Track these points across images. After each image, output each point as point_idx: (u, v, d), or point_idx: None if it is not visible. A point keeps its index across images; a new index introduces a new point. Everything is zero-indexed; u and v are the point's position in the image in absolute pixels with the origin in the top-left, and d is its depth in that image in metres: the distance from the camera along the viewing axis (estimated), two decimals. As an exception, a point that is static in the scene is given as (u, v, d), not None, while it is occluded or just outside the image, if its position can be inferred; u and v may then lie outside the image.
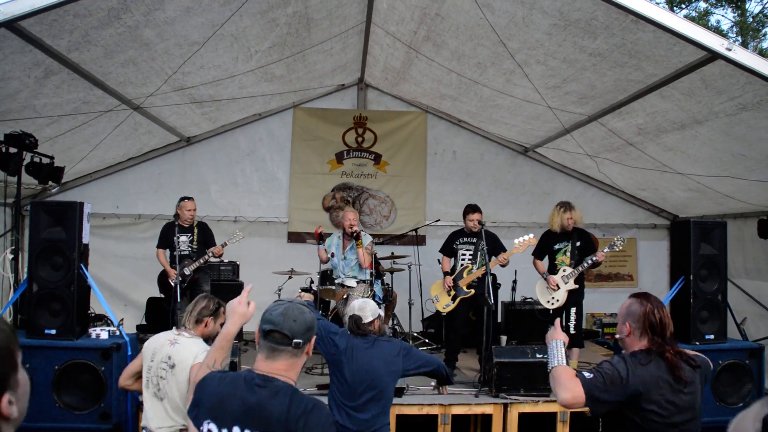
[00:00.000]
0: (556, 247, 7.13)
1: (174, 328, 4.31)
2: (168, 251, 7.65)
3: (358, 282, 7.37)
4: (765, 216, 7.56)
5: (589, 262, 6.70)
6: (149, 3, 4.97)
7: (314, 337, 2.41)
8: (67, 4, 4.35)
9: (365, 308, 4.34)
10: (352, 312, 4.32)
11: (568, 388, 2.88)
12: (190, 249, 7.61)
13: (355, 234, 7.32)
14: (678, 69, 5.32)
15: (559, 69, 6.23)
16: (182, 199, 7.63)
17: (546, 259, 7.30)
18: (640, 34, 5.00)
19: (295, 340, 2.30)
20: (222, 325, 4.06)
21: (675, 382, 2.86)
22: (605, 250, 6.66)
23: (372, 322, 4.29)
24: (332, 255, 7.55)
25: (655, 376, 2.85)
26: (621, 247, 6.77)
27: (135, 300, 9.02)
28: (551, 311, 6.99)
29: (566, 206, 7.11)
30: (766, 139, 5.87)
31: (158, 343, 4.10)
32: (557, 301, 6.89)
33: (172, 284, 7.35)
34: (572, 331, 6.80)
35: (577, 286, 6.84)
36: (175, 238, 7.46)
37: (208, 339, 4.14)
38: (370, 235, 9.34)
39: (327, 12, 6.60)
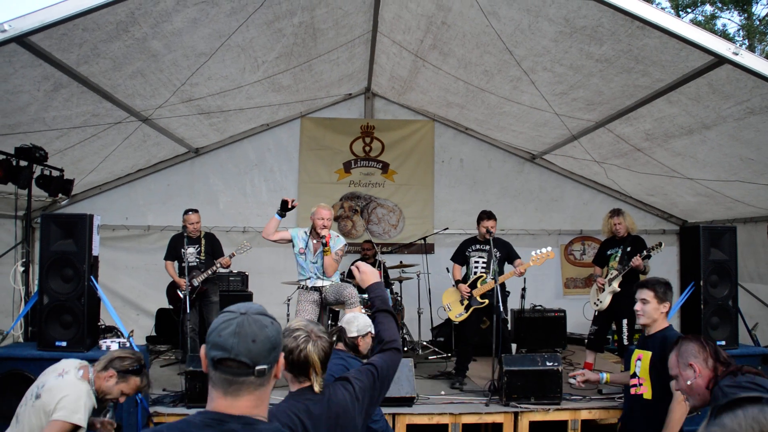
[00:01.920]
0: (609, 252, 7.25)
1: (88, 363, 3.84)
2: (176, 263, 7.68)
3: (331, 282, 6.65)
4: (775, 220, 7.53)
5: (627, 268, 6.75)
6: (157, 15, 5.01)
7: (282, 355, 1.90)
8: (76, 18, 4.38)
9: (353, 322, 4.27)
10: (341, 323, 4.29)
11: None
12: (197, 260, 7.65)
13: (322, 240, 6.39)
14: (685, 74, 5.31)
15: (565, 75, 6.23)
16: (186, 211, 7.68)
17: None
18: (646, 39, 5.00)
19: (257, 368, 1.77)
20: (123, 392, 3.76)
21: None
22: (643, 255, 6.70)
23: (356, 338, 4.24)
24: (301, 251, 6.65)
25: None
26: (659, 252, 6.75)
27: (147, 310, 9.06)
28: (596, 313, 7.15)
29: (614, 212, 7.30)
30: (775, 142, 5.85)
31: (54, 366, 3.74)
32: (600, 302, 7.02)
33: (181, 295, 7.38)
34: (625, 342, 6.84)
35: (619, 290, 6.83)
36: (182, 249, 7.49)
37: (101, 397, 3.67)
38: (377, 243, 9.36)
39: (333, 22, 6.63)
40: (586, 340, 7.56)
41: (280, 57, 6.90)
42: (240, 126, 9.32)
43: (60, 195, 7.09)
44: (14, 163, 6.08)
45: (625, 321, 6.84)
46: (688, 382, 2.87)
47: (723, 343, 5.73)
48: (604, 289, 7.03)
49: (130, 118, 6.86)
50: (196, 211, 7.74)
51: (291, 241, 6.67)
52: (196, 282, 7.46)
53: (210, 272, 7.56)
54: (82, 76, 5.47)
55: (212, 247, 7.84)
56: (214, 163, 9.75)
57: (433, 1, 5.87)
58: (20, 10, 4.29)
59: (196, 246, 7.71)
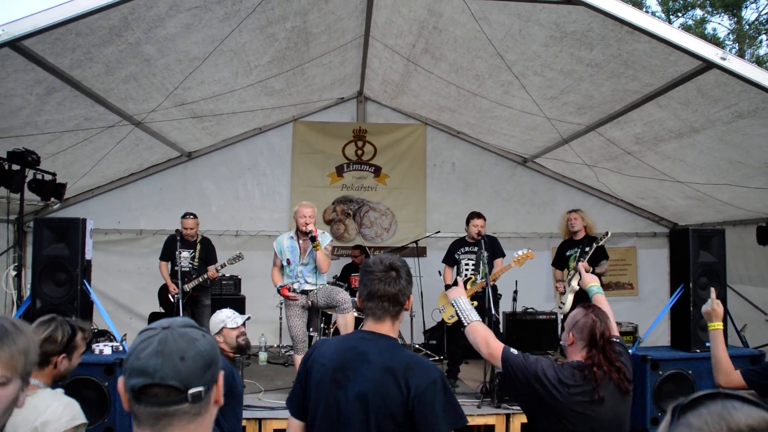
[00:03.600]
0: (567, 254, 7.26)
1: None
2: (170, 264, 7.69)
3: (320, 286, 6.54)
4: (764, 223, 7.60)
5: (578, 267, 6.79)
6: (150, 20, 5.03)
7: (221, 374, 1.57)
8: (69, 23, 4.40)
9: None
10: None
11: (489, 345, 3.15)
12: (191, 266, 7.65)
13: (310, 236, 6.25)
14: (674, 78, 5.37)
15: (556, 80, 6.29)
16: (184, 215, 7.71)
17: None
18: (635, 44, 5.06)
19: (191, 391, 1.44)
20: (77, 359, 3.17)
21: (590, 393, 2.89)
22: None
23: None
24: (288, 262, 6.51)
25: (572, 394, 2.90)
26: (603, 242, 6.84)
27: (139, 313, 9.06)
28: (563, 317, 7.14)
29: (574, 210, 7.30)
30: (763, 146, 5.91)
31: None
32: (563, 304, 7.05)
33: (172, 300, 7.40)
34: None
35: (578, 288, 6.86)
36: (177, 252, 7.50)
37: (64, 379, 3.12)
38: (369, 246, 9.40)
39: (325, 26, 6.66)
40: (559, 348, 7.58)
41: (273, 61, 6.93)
42: (233, 130, 9.34)
43: (52, 199, 7.09)
44: (6, 167, 6.08)
45: None
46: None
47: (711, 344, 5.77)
48: (564, 291, 7.05)
49: (122, 122, 6.87)
50: (194, 216, 7.75)
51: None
52: (186, 288, 7.47)
53: (201, 279, 7.57)
54: (74, 80, 5.48)
55: (206, 253, 7.84)
56: (206, 167, 9.76)
57: (425, 6, 5.91)
58: (13, 15, 4.30)
59: (191, 251, 7.71)
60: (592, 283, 3.80)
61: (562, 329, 7.04)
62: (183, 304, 7.26)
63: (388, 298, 2.52)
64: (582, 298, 6.87)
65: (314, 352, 2.64)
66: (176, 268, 7.48)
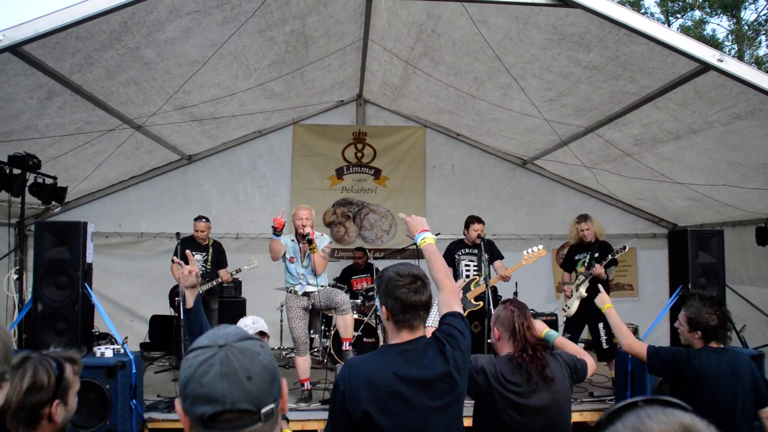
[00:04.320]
0: (576, 258, 7.26)
1: None
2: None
3: (320, 287, 6.54)
4: (763, 223, 7.61)
5: (589, 273, 6.81)
6: (150, 24, 5.06)
7: (284, 382, 1.47)
8: (69, 27, 4.43)
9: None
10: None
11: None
12: (204, 268, 7.71)
13: (307, 237, 6.26)
14: (671, 80, 5.40)
15: (554, 82, 6.31)
16: (196, 218, 7.82)
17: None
18: (633, 46, 5.08)
19: (264, 410, 1.36)
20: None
21: (542, 381, 3.16)
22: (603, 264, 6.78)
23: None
24: (291, 260, 6.57)
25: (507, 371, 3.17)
26: (618, 256, 6.86)
27: (141, 316, 9.08)
28: (565, 319, 7.19)
29: (581, 218, 7.30)
30: (761, 147, 5.93)
31: None
32: (568, 308, 7.04)
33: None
34: (605, 345, 6.85)
35: (586, 295, 6.88)
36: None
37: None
38: (369, 249, 9.41)
39: (324, 30, 6.69)
40: None
41: (272, 64, 6.95)
42: (232, 133, 9.36)
43: (53, 202, 7.11)
44: (7, 170, 6.10)
45: (601, 325, 6.85)
46: (489, 341, 3.55)
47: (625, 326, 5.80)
48: (572, 295, 7.07)
49: (123, 125, 6.90)
50: (207, 219, 7.84)
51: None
52: (200, 290, 7.51)
53: (213, 283, 7.63)
54: (75, 84, 5.50)
55: (218, 257, 7.91)
56: (206, 170, 9.78)
57: (424, 10, 5.93)
58: (14, 20, 4.33)
59: (204, 254, 7.79)
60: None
61: (565, 331, 7.10)
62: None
63: (422, 305, 2.60)
64: (589, 304, 6.89)
65: (354, 382, 2.55)
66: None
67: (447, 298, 2.84)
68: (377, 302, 2.88)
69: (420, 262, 8.38)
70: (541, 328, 3.62)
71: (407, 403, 2.50)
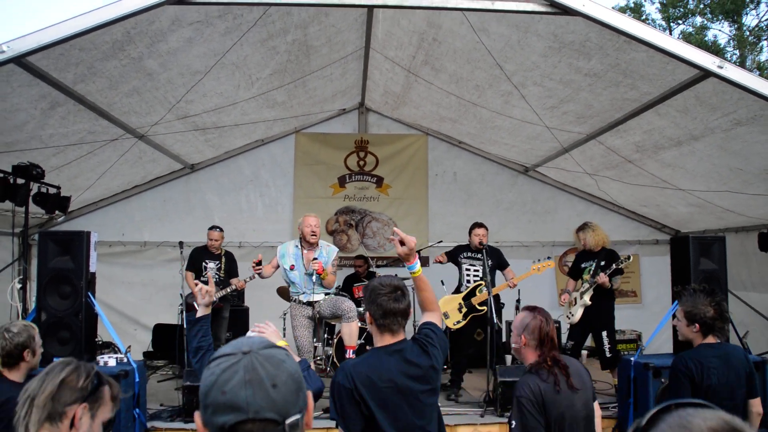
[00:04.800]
0: (583, 265, 7.26)
1: None
2: (194, 275, 7.80)
3: (326, 294, 6.65)
4: (765, 229, 7.61)
5: (593, 282, 6.82)
6: (152, 35, 5.09)
7: (309, 393, 1.42)
8: (73, 38, 4.46)
9: None
10: None
11: None
12: (217, 276, 7.76)
13: (316, 269, 6.35)
14: (672, 87, 5.41)
15: (555, 90, 6.33)
16: (210, 227, 7.94)
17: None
18: (633, 54, 5.11)
19: (289, 421, 1.30)
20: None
21: (569, 390, 3.18)
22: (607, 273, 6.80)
23: None
24: (291, 267, 6.56)
25: (546, 385, 3.16)
26: (623, 266, 6.86)
27: (144, 324, 9.10)
28: (569, 326, 7.20)
29: (581, 228, 7.30)
30: (762, 153, 5.94)
31: None
32: (572, 315, 7.06)
33: (196, 307, 7.48)
34: (608, 354, 6.85)
35: (590, 303, 6.89)
36: (203, 263, 7.65)
37: None
38: (372, 257, 9.42)
39: (326, 39, 6.72)
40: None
41: (274, 74, 6.99)
42: (235, 142, 9.40)
43: (57, 212, 7.14)
44: (11, 180, 6.14)
45: (604, 333, 6.85)
46: (514, 346, 3.40)
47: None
48: (576, 303, 7.08)
49: (126, 135, 6.93)
50: (220, 229, 7.97)
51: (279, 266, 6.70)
52: (216, 297, 7.57)
53: (228, 290, 7.67)
54: (78, 94, 5.54)
55: (230, 266, 7.99)
56: (209, 179, 9.81)
57: (424, 19, 5.96)
58: (18, 31, 4.36)
59: (217, 262, 7.89)
60: None
61: (568, 339, 7.10)
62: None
63: (401, 312, 2.98)
64: (593, 312, 6.90)
65: (357, 379, 2.86)
66: (203, 278, 7.60)
67: (431, 315, 3.26)
68: (362, 310, 3.12)
69: (424, 269, 8.36)
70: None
71: (403, 396, 2.87)
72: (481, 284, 7.09)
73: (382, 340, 3.00)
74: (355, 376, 2.86)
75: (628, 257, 6.85)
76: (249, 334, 3.15)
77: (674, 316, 3.95)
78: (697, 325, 3.77)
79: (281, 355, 1.35)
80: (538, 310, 3.34)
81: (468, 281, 7.23)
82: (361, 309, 8.14)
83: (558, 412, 3.09)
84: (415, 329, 8.42)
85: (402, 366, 2.92)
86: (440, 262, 7.44)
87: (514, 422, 3.11)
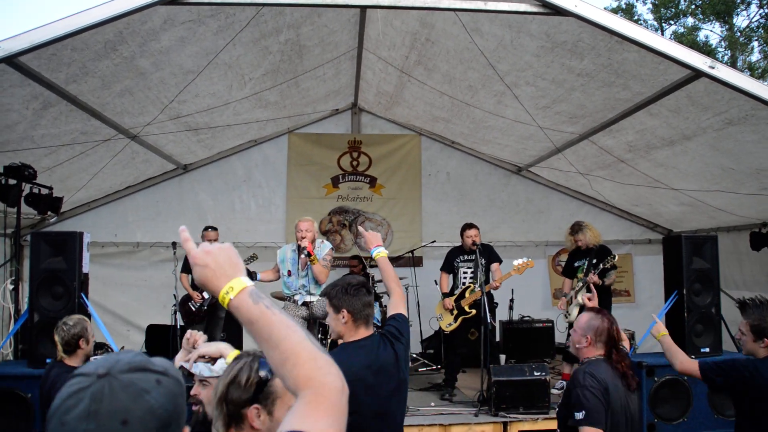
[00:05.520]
0: (576, 264, 7.32)
1: None
2: (191, 276, 7.78)
3: (321, 296, 6.59)
4: (757, 228, 7.65)
5: (584, 281, 6.86)
6: (144, 34, 5.08)
7: (186, 429, 1.20)
8: (65, 38, 4.44)
9: None
10: None
11: None
12: None
13: (305, 251, 6.48)
14: (664, 87, 5.44)
15: (548, 89, 6.35)
16: (205, 228, 7.89)
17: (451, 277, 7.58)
18: (625, 54, 5.13)
19: None
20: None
21: (626, 388, 3.26)
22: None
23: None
24: (288, 273, 6.71)
25: (610, 378, 3.22)
26: (610, 265, 6.91)
27: (137, 325, 9.07)
28: (568, 325, 7.18)
29: (573, 228, 7.41)
30: (754, 153, 5.97)
31: None
32: (569, 314, 7.15)
33: (194, 309, 7.49)
34: None
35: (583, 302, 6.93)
36: None
37: None
38: (365, 257, 9.41)
39: (319, 39, 6.72)
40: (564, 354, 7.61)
41: (267, 74, 6.98)
42: (228, 142, 9.38)
43: (49, 213, 7.11)
44: (3, 181, 6.11)
45: None
46: (577, 346, 3.43)
47: (707, 350, 5.82)
48: (572, 302, 7.14)
49: (118, 135, 6.91)
50: (215, 229, 7.92)
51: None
52: (207, 295, 7.57)
53: None
54: (70, 94, 5.52)
55: None
56: (202, 179, 9.78)
57: (417, 19, 5.97)
58: (10, 31, 4.35)
59: None
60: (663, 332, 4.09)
61: (568, 336, 7.15)
62: (202, 314, 7.60)
63: (371, 305, 3.19)
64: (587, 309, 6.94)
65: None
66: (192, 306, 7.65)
67: (395, 302, 3.46)
68: (331, 310, 3.16)
69: (416, 270, 8.44)
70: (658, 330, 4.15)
71: (370, 388, 2.99)
72: (470, 286, 7.11)
73: (356, 334, 3.13)
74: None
75: (614, 256, 6.91)
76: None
77: (739, 330, 3.74)
78: (766, 339, 3.55)
79: (148, 384, 1.11)
80: (603, 313, 3.42)
81: (463, 283, 7.25)
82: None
83: (619, 405, 3.16)
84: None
85: (368, 360, 3.05)
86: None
87: (580, 413, 3.10)
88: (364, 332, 3.15)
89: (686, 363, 3.86)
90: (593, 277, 6.77)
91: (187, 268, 7.84)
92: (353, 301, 3.11)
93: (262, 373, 2.04)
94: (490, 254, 7.25)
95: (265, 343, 1.38)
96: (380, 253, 3.55)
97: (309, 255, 6.43)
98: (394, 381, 3.13)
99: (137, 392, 1.08)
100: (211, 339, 7.80)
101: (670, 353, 3.97)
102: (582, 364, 3.37)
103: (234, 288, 1.47)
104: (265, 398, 2.03)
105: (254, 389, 2.02)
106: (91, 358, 5.47)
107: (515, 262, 6.95)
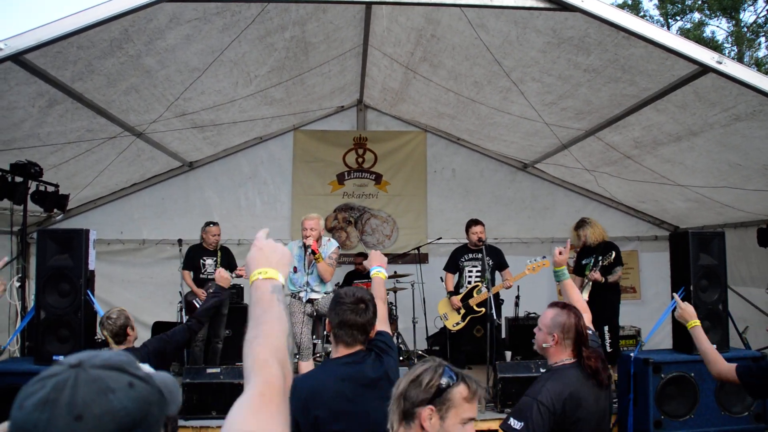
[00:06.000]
0: (584, 262, 7.28)
1: None
2: (192, 273, 7.79)
3: (324, 294, 6.72)
4: (764, 225, 7.61)
5: (588, 279, 6.85)
6: (150, 32, 5.08)
7: None
8: (70, 36, 4.44)
9: None
10: None
11: None
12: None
13: (309, 249, 6.48)
14: (671, 83, 5.41)
15: (554, 86, 6.32)
16: (207, 224, 7.87)
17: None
18: (632, 49, 5.10)
19: None
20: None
21: (597, 387, 3.10)
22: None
23: None
24: (294, 270, 6.71)
25: (578, 387, 3.04)
26: (607, 262, 6.90)
27: (143, 322, 9.06)
28: None
29: (578, 224, 7.36)
30: (762, 148, 5.93)
31: None
32: None
33: (197, 305, 7.48)
34: (608, 349, 6.89)
35: (588, 299, 6.92)
36: (201, 261, 7.63)
37: None
38: (367, 256, 9.41)
39: (324, 36, 6.71)
40: None
41: (272, 71, 6.98)
42: (233, 139, 9.38)
43: (55, 210, 7.13)
44: (9, 179, 6.13)
45: (606, 328, 6.90)
46: (543, 345, 3.23)
47: (714, 346, 5.78)
48: None
49: (124, 133, 6.92)
50: (217, 224, 7.91)
51: None
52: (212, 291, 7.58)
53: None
54: (76, 92, 5.53)
55: (228, 260, 7.96)
56: (208, 176, 9.80)
57: (423, 15, 5.95)
58: (16, 29, 4.35)
59: (214, 258, 7.83)
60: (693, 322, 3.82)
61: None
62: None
63: (357, 327, 2.85)
64: (594, 308, 6.92)
65: (305, 393, 2.74)
66: (201, 275, 7.60)
67: (379, 320, 3.11)
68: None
69: (422, 266, 8.43)
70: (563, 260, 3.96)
71: (353, 403, 2.75)
72: (478, 285, 7.10)
73: (336, 351, 2.91)
74: (297, 392, 2.69)
75: (611, 253, 6.90)
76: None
77: None
78: None
79: (116, 383, 1.05)
80: (569, 308, 3.21)
81: (469, 281, 7.24)
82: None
83: (587, 413, 3.01)
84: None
85: (354, 376, 2.82)
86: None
87: (519, 422, 2.92)
88: (344, 350, 2.90)
89: (723, 369, 3.60)
90: (594, 275, 6.76)
91: (188, 265, 7.84)
92: (333, 314, 2.90)
93: (444, 380, 2.10)
94: (499, 258, 7.24)
95: (254, 321, 1.50)
96: (379, 273, 3.49)
97: (314, 254, 6.43)
98: (387, 395, 2.80)
99: (101, 389, 1.02)
100: (214, 335, 7.85)
101: (705, 356, 3.70)
102: (549, 371, 3.19)
103: (266, 273, 1.66)
104: (441, 402, 2.07)
105: (433, 392, 2.08)
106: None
107: (529, 261, 6.92)
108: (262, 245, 1.83)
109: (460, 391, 2.10)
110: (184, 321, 7.16)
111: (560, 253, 4.04)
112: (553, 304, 3.28)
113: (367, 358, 2.90)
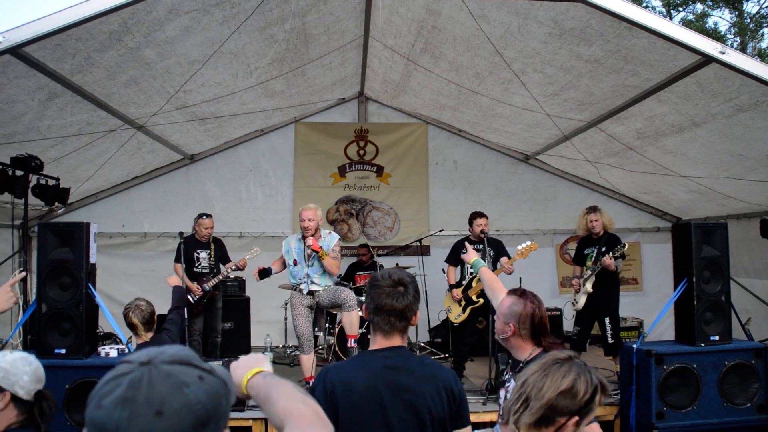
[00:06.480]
0: (585, 252, 7.27)
1: None
2: (184, 266, 7.76)
3: (325, 287, 6.66)
4: (767, 216, 7.59)
5: (597, 268, 6.83)
6: (149, 24, 5.05)
7: None
8: (69, 28, 4.43)
9: None
10: None
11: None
12: (209, 265, 7.74)
13: (310, 248, 6.45)
14: (673, 73, 5.38)
15: (556, 77, 6.29)
16: (200, 215, 7.81)
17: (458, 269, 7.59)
18: (634, 40, 5.06)
19: None
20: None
21: None
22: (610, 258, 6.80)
23: None
24: (294, 263, 6.69)
25: None
26: (620, 254, 6.87)
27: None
28: (575, 313, 7.28)
29: (590, 209, 7.34)
30: (765, 139, 5.91)
31: None
32: (576, 302, 7.14)
33: (192, 300, 7.47)
34: (610, 340, 6.89)
35: (591, 290, 6.92)
36: (195, 254, 7.60)
37: None
38: (373, 246, 9.41)
39: (324, 27, 6.68)
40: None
41: (273, 63, 6.95)
42: (234, 132, 9.36)
43: (56, 204, 7.12)
44: (10, 172, 6.12)
45: (607, 319, 6.91)
46: (501, 336, 3.06)
47: (716, 338, 5.78)
48: (580, 290, 7.10)
49: (124, 126, 6.90)
50: (210, 216, 7.88)
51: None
52: (207, 287, 7.55)
53: (221, 277, 7.66)
54: (76, 85, 5.51)
55: (221, 252, 7.94)
56: (209, 169, 9.79)
57: (424, 6, 5.92)
58: (14, 21, 4.33)
59: (207, 251, 7.81)
60: (475, 258, 4.10)
61: (575, 324, 7.15)
62: (202, 305, 7.59)
63: (395, 313, 2.51)
64: (596, 299, 6.92)
65: (335, 385, 2.47)
66: (195, 269, 7.58)
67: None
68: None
69: (423, 258, 8.41)
70: (472, 256, 4.08)
71: (382, 409, 2.43)
72: (477, 276, 7.09)
73: (373, 342, 2.61)
74: (328, 383, 2.48)
75: (624, 245, 6.88)
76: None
77: None
78: None
79: (189, 377, 1.08)
80: (526, 295, 3.03)
81: (471, 273, 7.23)
82: (362, 298, 8.18)
83: None
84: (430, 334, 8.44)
85: (384, 374, 2.48)
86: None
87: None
88: (381, 341, 2.57)
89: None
90: (607, 260, 6.72)
91: (180, 258, 7.82)
92: (368, 299, 2.60)
93: (594, 392, 1.96)
94: (499, 248, 7.23)
95: (276, 418, 1.52)
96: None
97: (316, 252, 6.43)
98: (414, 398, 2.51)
99: (176, 384, 1.06)
100: (211, 329, 7.86)
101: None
102: (521, 368, 2.97)
103: (252, 372, 1.75)
104: (586, 412, 1.95)
105: (585, 402, 1.93)
106: (100, 349, 5.50)
107: (519, 247, 6.89)
108: (237, 363, 1.84)
109: (599, 399, 1.98)
110: (185, 314, 7.19)
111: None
112: (512, 292, 3.11)
113: (410, 358, 2.56)
